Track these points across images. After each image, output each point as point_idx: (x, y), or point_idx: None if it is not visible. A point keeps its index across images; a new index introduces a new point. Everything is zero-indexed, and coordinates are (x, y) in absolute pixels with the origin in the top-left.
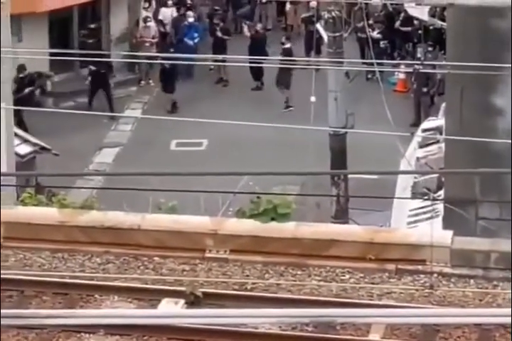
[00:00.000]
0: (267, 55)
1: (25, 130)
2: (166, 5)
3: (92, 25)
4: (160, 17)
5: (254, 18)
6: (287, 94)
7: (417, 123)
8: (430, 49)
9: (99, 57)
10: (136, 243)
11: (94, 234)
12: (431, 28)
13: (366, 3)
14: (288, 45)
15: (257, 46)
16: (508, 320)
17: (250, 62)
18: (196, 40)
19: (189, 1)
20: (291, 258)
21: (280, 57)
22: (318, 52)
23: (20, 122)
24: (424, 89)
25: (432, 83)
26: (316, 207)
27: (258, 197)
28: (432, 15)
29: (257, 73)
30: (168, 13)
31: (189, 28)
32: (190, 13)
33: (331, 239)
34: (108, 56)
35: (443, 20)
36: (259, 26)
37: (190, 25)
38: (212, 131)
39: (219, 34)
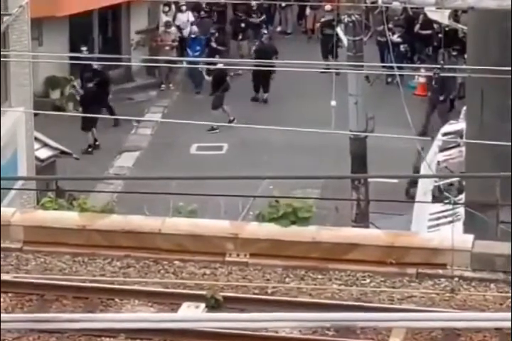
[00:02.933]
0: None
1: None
2: (181, 10)
3: (84, 48)
4: (177, 22)
5: (274, 23)
6: (218, 114)
7: (425, 128)
8: (454, 53)
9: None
10: (156, 247)
11: (114, 237)
12: (446, 29)
13: (386, 7)
14: (221, 66)
15: (262, 55)
16: None
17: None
18: (197, 53)
19: (207, 7)
20: (312, 262)
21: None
22: (336, 56)
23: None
24: (441, 98)
25: (450, 87)
26: (335, 211)
27: (277, 201)
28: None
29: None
30: (184, 18)
31: (193, 40)
32: (194, 27)
33: (352, 243)
34: (128, 60)
35: (456, 21)
36: (264, 37)
37: (194, 38)
38: (233, 135)
39: (214, 45)
